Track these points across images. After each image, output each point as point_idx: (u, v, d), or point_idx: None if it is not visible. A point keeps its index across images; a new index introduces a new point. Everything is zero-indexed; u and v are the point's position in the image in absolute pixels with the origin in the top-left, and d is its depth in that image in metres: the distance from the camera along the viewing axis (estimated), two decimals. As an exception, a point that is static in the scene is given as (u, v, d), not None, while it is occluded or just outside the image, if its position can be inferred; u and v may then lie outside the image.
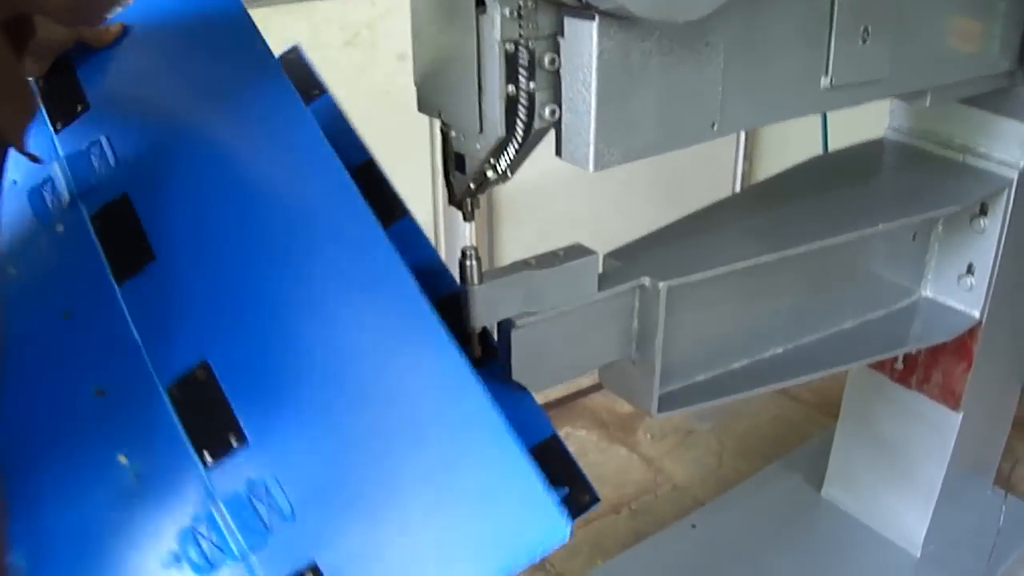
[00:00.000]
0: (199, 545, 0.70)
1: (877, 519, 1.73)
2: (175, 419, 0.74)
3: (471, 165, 0.88)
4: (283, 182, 0.80)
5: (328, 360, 0.74)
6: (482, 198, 0.95)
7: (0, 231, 0.81)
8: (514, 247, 2.24)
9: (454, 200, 0.94)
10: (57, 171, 0.84)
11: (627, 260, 1.09)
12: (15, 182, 0.84)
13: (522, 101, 0.82)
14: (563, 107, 0.84)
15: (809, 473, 1.87)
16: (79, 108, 0.87)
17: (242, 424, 0.73)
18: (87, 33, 0.88)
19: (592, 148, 0.83)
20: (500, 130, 0.83)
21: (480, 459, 0.69)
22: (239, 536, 0.70)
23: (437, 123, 0.91)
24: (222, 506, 0.71)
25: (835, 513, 1.79)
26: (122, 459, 0.73)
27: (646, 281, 1.05)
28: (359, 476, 0.71)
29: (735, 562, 1.69)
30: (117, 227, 0.80)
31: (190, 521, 0.71)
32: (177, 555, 0.70)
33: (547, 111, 0.84)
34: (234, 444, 0.72)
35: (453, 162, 0.90)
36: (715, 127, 0.92)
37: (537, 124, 0.84)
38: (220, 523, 0.71)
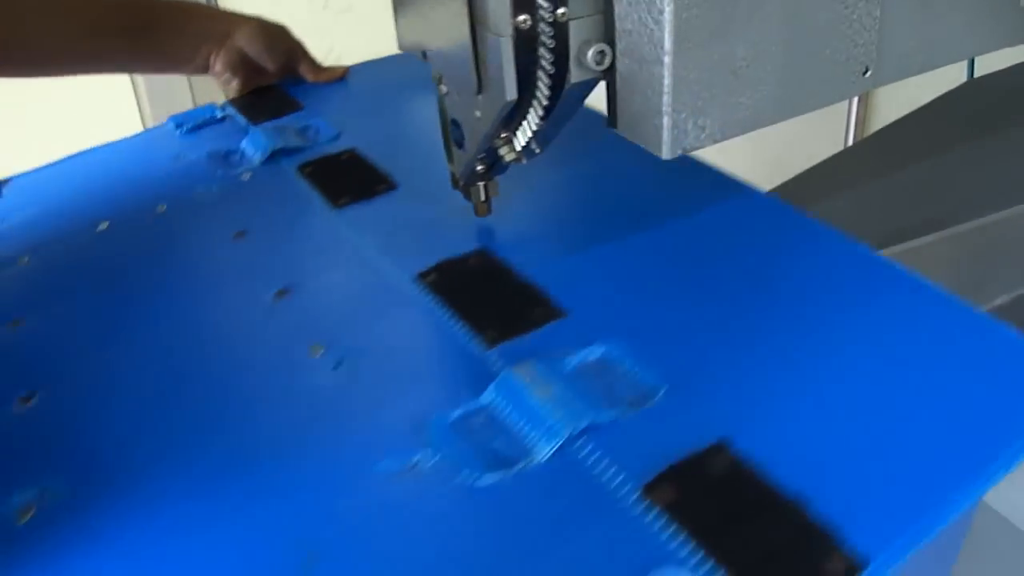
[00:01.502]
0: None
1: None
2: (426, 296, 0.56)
3: (471, 139, 0.50)
4: None
5: None
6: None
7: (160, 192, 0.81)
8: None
9: (456, 185, 0.56)
10: (258, 134, 0.82)
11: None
12: (177, 156, 0.85)
13: (544, 40, 0.43)
14: (617, 49, 0.44)
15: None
16: (290, 110, 0.89)
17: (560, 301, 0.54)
18: (308, 75, 0.95)
19: (667, 120, 0.43)
20: (509, 91, 0.44)
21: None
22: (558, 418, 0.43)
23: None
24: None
25: (990, 516, 1.40)
26: (315, 350, 0.53)
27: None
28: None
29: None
30: (343, 168, 0.76)
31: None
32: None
33: (591, 55, 0.44)
34: (560, 313, 0.52)
35: (450, 130, 0.52)
36: (868, 74, 0.51)
37: (575, 76, 0.45)
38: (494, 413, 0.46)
